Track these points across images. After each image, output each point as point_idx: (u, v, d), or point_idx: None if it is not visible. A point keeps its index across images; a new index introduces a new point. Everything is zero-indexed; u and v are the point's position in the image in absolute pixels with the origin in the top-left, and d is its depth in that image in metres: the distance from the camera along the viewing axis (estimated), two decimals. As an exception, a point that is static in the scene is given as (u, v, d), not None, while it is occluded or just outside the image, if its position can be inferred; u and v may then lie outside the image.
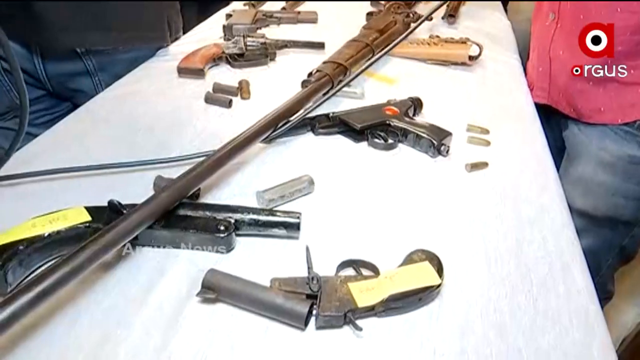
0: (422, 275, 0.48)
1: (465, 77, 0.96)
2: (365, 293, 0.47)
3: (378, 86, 0.90)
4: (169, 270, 0.50)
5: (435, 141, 0.69)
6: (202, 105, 0.79)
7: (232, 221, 0.52)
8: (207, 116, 0.77)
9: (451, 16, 1.17)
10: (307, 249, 0.51)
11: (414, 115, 0.79)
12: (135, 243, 0.51)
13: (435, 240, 0.56)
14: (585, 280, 0.54)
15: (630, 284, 1.24)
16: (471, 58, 0.98)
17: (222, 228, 0.51)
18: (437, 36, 1.02)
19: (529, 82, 0.95)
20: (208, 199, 0.60)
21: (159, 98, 0.81)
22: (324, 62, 0.82)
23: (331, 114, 0.73)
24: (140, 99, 0.81)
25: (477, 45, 0.99)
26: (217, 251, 0.52)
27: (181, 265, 0.51)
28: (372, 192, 0.64)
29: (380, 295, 0.46)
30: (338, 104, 0.82)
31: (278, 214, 0.54)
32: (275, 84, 0.87)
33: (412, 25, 0.95)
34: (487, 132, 0.77)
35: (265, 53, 0.92)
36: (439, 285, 0.48)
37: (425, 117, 0.81)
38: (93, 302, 0.46)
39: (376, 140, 0.72)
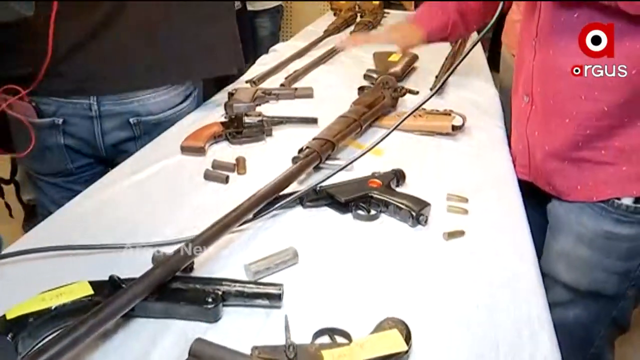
0: (390, 342, 0.52)
1: (449, 146, 1.03)
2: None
3: (366, 157, 0.97)
4: (161, 340, 0.55)
5: (414, 212, 0.75)
6: (201, 181, 0.86)
7: (220, 293, 0.58)
8: (205, 192, 0.84)
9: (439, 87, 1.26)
10: (286, 318, 0.55)
11: (397, 185, 0.85)
12: (131, 314, 0.57)
13: (408, 307, 0.60)
14: (552, 349, 0.57)
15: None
16: (455, 128, 1.05)
17: (209, 300, 0.57)
18: (423, 109, 1.10)
19: (512, 155, 1.00)
20: (201, 271, 0.65)
21: (163, 176, 0.89)
22: (313, 139, 0.89)
23: (318, 188, 0.80)
24: (145, 177, 0.88)
25: (461, 116, 1.06)
26: (205, 321, 0.57)
27: (172, 335, 0.56)
28: (353, 262, 0.69)
29: (350, 362, 0.50)
30: (325, 176, 0.89)
31: (261, 285, 0.59)
32: (271, 159, 0.95)
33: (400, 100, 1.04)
34: (465, 200, 0.83)
35: (262, 130, 1.00)
36: (405, 352, 0.52)
37: (408, 187, 0.87)
38: (90, 369, 0.51)
39: (359, 212, 0.78)
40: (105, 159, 1.09)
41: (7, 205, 1.54)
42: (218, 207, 0.73)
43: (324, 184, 0.82)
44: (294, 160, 0.85)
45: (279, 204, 0.74)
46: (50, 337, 0.53)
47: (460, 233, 0.74)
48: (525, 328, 0.59)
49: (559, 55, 0.78)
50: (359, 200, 0.78)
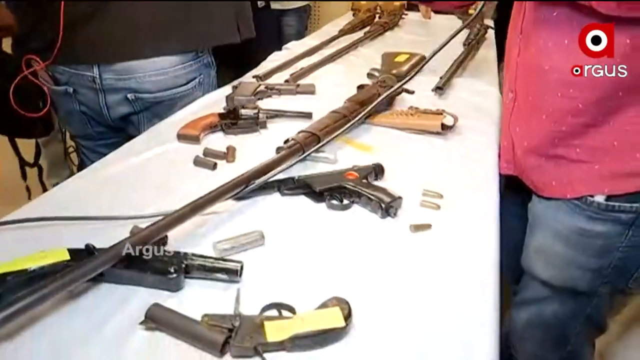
0: (330, 318, 0.56)
1: (438, 145, 1.05)
2: (277, 331, 0.55)
3: (354, 153, 1.00)
4: (127, 304, 0.61)
5: (384, 204, 0.78)
6: (191, 167, 0.92)
7: (183, 265, 0.63)
8: (193, 178, 0.89)
9: (439, 88, 1.28)
10: (238, 291, 0.60)
11: (376, 179, 0.89)
12: (102, 280, 0.63)
13: (360, 291, 0.64)
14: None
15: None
16: (445, 127, 1.07)
17: (172, 271, 0.62)
18: (417, 108, 1.12)
19: (499, 151, 1.02)
20: (174, 246, 0.70)
21: (158, 160, 0.95)
22: (300, 132, 0.93)
23: (296, 177, 0.84)
24: (142, 161, 0.95)
25: (452, 116, 1.08)
26: (168, 290, 0.62)
27: (137, 300, 0.61)
28: (318, 247, 0.72)
29: (289, 333, 0.54)
30: (312, 168, 0.93)
31: (222, 261, 0.64)
32: (262, 150, 0.99)
33: (389, 95, 1.07)
34: (440, 197, 0.85)
35: (257, 122, 1.05)
36: (342, 328, 0.55)
37: (387, 181, 0.90)
38: (57, 323, 0.57)
39: (333, 201, 0.81)
40: (119, 129, 1.22)
41: (27, 188, 1.65)
42: (202, 192, 0.78)
43: (303, 173, 0.86)
44: (278, 150, 0.89)
45: (248, 188, 0.79)
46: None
47: (427, 227, 0.77)
48: (468, 331, 0.60)
49: (538, 52, 0.79)
50: (333, 190, 0.82)
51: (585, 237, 0.83)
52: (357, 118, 0.92)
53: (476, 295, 0.66)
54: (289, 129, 1.07)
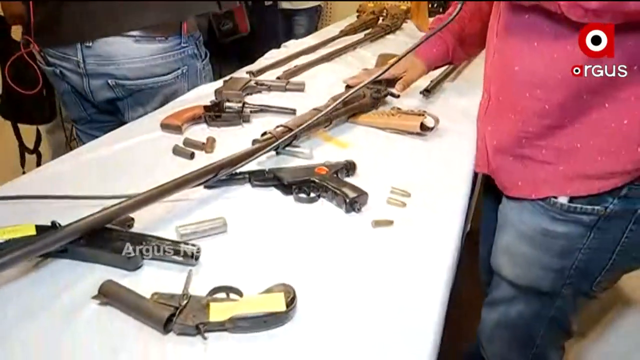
0: (272, 302, 0.58)
1: (417, 145, 1.07)
2: (221, 312, 0.57)
3: (331, 150, 1.02)
4: (83, 279, 0.64)
5: (348, 198, 0.80)
6: (170, 156, 0.95)
7: (141, 246, 0.65)
8: (171, 166, 0.92)
9: (427, 91, 1.29)
10: (190, 272, 0.63)
11: (347, 175, 0.91)
12: (65, 256, 0.66)
13: (311, 278, 0.66)
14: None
15: None
16: (425, 128, 1.08)
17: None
18: (399, 108, 1.14)
19: (476, 153, 1.03)
20: (139, 228, 0.73)
21: (140, 148, 0.98)
22: (278, 126, 0.95)
23: (267, 169, 0.86)
24: (124, 147, 0.98)
25: (433, 118, 1.09)
26: (125, 269, 0.65)
27: (95, 276, 0.64)
28: (278, 237, 0.75)
29: (231, 313, 0.56)
30: (288, 162, 0.95)
31: (180, 245, 0.66)
32: (242, 142, 1.01)
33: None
34: (408, 195, 0.87)
35: (240, 115, 1.08)
36: (283, 312, 0.57)
37: (358, 177, 0.91)
38: (16, 291, 0.61)
39: (300, 194, 0.83)
40: (109, 112, 1.29)
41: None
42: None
43: (274, 166, 0.89)
44: (253, 142, 0.91)
45: (216, 177, 0.81)
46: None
47: (388, 223, 0.79)
48: (409, 332, 0.61)
49: (511, 54, 0.81)
50: (301, 183, 0.84)
51: (549, 238, 0.84)
52: (320, 115, 0.94)
53: (424, 292, 0.67)
54: (272, 124, 1.09)
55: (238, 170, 0.85)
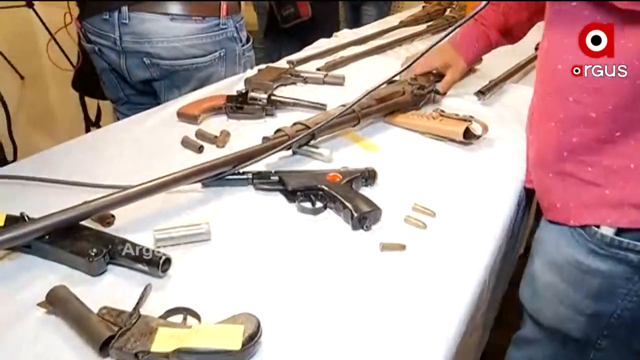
0: (228, 337, 0.49)
1: (457, 155, 0.92)
2: (167, 340, 0.49)
3: (355, 152, 0.91)
4: (40, 280, 0.58)
5: (356, 214, 0.69)
6: (178, 148, 0.88)
7: (106, 250, 0.58)
8: (177, 158, 0.85)
9: (481, 93, 1.13)
10: (147, 287, 0.55)
11: (366, 185, 0.79)
12: (29, 252, 0.60)
13: (293, 307, 0.56)
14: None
15: None
16: (471, 136, 0.94)
17: (92, 253, 0.58)
18: (442, 111, 0.99)
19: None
20: (120, 227, 0.67)
21: (151, 136, 0.93)
22: (295, 123, 0.86)
23: (273, 171, 0.77)
24: (138, 134, 0.93)
25: (481, 125, 0.94)
26: (87, 273, 0.59)
27: (53, 278, 0.58)
28: (269, 252, 0.65)
29: (177, 344, 0.48)
30: (303, 163, 0.85)
31: (148, 252, 0.59)
32: (258, 138, 0.93)
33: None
34: (432, 214, 0.74)
35: (264, 108, 0.99)
36: (236, 351, 0.48)
37: (377, 188, 0.80)
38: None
39: (303, 204, 0.73)
40: (146, 93, 1.26)
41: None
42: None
43: (287, 167, 0.79)
44: (263, 140, 0.82)
45: (213, 177, 0.73)
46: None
47: (400, 247, 0.66)
48: None
49: (554, 49, 0.66)
50: (307, 190, 0.74)
51: (583, 273, 0.68)
52: (339, 113, 0.82)
53: (432, 337, 0.55)
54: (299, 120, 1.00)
55: (241, 170, 0.77)
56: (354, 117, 0.92)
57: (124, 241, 0.60)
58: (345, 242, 0.68)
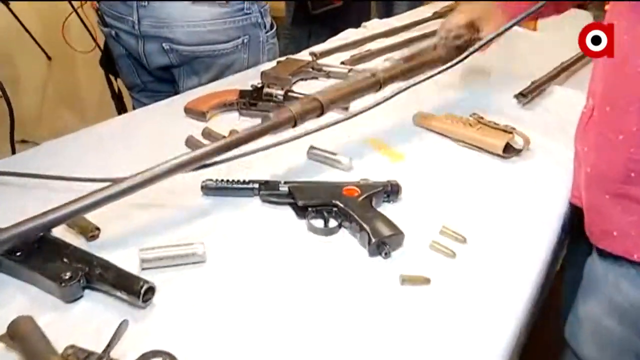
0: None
1: (497, 169, 0.81)
2: (138, 394, 0.41)
3: (378, 160, 0.81)
4: (6, 302, 0.51)
5: (373, 238, 0.59)
6: (182, 148, 0.80)
7: (82, 273, 0.51)
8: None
9: (522, 95, 1.01)
10: (123, 324, 0.47)
11: (387, 200, 0.69)
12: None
13: (296, 347, 0.47)
14: None
15: None
16: (511, 150, 0.83)
17: (66, 277, 0.50)
18: (480, 117, 0.88)
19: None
20: (105, 240, 0.59)
21: (155, 132, 0.85)
22: (302, 98, 0.75)
23: (282, 182, 0.68)
24: (141, 131, 0.85)
25: (523, 138, 0.83)
26: (60, 298, 0.51)
27: (21, 301, 0.51)
28: (272, 278, 0.57)
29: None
30: (319, 171, 0.76)
31: (128, 277, 0.51)
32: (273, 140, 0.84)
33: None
34: (462, 240, 0.64)
35: (279, 106, 0.90)
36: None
37: (402, 206, 0.70)
38: None
39: (314, 221, 0.64)
40: (164, 80, 1.18)
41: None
42: (178, 177, 0.65)
43: (299, 176, 0.70)
44: (263, 119, 0.71)
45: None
46: None
47: (423, 280, 0.57)
48: None
49: (623, 46, 0.54)
50: (319, 207, 0.65)
51: None
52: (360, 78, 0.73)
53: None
54: (319, 120, 0.91)
55: (247, 179, 0.68)
56: (375, 81, 0.80)
57: (104, 263, 0.52)
58: (360, 271, 0.59)
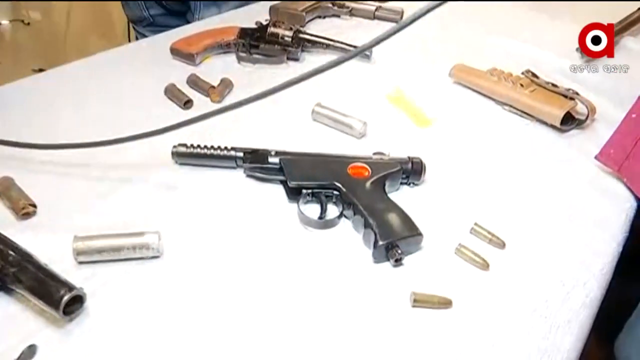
0: None
1: (550, 143, 0.65)
2: None
3: (400, 125, 0.65)
4: None
5: (381, 239, 0.45)
6: (161, 98, 0.66)
7: (-5, 269, 0.39)
8: (155, 112, 0.63)
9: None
10: (29, 349, 0.35)
11: (407, 183, 0.54)
12: None
13: None
14: None
15: None
16: (570, 121, 0.65)
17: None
18: (535, 76, 0.70)
19: None
20: (45, 222, 0.47)
21: (136, 77, 0.70)
22: None
23: (273, 152, 0.53)
24: (121, 74, 0.71)
25: (587, 106, 0.65)
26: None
27: None
28: (243, 282, 0.44)
29: None
30: (323, 138, 0.61)
31: (47, 281, 0.38)
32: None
33: None
34: (500, 244, 0.49)
35: (285, 49, 0.73)
36: None
37: (425, 191, 0.55)
38: None
39: (306, 207, 0.50)
40: (174, 13, 1.03)
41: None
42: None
43: (288, 147, 0.55)
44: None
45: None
46: None
47: (442, 303, 0.43)
48: None
49: None
50: (316, 189, 0.50)
51: None
52: None
53: None
54: (333, 70, 0.74)
55: (229, 146, 0.54)
56: None
57: (21, 258, 0.40)
58: (360, 281, 0.45)
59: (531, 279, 0.46)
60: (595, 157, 0.58)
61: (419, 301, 0.43)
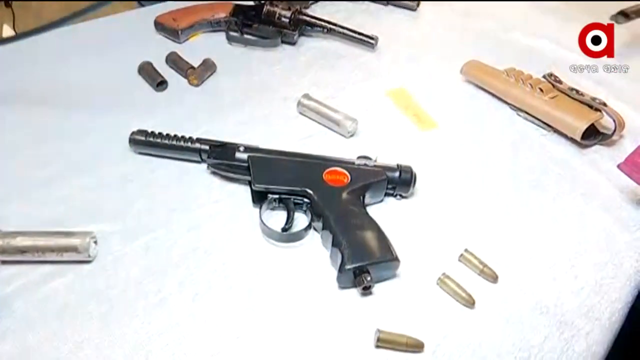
0: None
1: (568, 161, 0.56)
2: None
3: (399, 126, 0.58)
4: None
5: (348, 262, 0.38)
6: (134, 76, 0.60)
7: None
8: (129, 91, 0.57)
9: (624, 15, 0.70)
10: None
11: (392, 194, 0.47)
12: None
13: None
14: None
15: None
16: (595, 134, 0.57)
17: None
18: (559, 81, 0.61)
19: None
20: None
21: (121, 47, 0.64)
22: None
23: (241, 148, 0.46)
24: (107, 41, 0.65)
25: (614, 117, 0.56)
26: None
27: None
28: (192, 299, 0.38)
29: None
30: (306, 135, 0.54)
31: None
32: (266, 80, 0.62)
33: None
34: (493, 278, 0.41)
35: (281, 31, 0.66)
36: None
37: (413, 206, 0.47)
38: None
39: (269, 215, 0.43)
40: None
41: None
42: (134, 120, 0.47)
43: (264, 142, 0.48)
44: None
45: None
46: None
47: (413, 345, 0.36)
48: None
49: None
50: (285, 195, 0.44)
51: None
52: None
53: None
54: (331, 57, 0.68)
55: (195, 137, 0.48)
56: None
57: None
58: (320, 308, 0.39)
59: (524, 322, 0.39)
60: (618, 167, 0.50)
61: (383, 341, 0.36)
